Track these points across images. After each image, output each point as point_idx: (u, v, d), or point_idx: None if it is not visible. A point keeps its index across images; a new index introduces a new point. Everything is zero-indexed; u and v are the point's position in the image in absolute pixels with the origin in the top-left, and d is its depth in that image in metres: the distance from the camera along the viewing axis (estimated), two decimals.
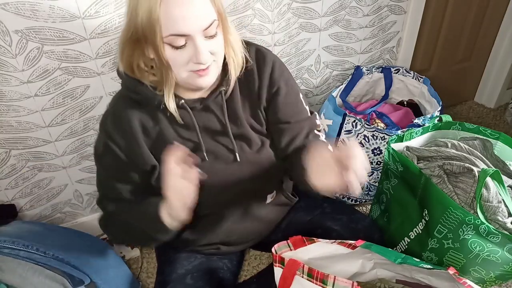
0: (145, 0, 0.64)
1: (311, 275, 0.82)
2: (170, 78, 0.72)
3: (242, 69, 0.81)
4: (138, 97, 0.77)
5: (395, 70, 1.67)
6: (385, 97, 1.69)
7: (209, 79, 0.74)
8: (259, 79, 0.83)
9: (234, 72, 0.79)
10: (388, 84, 1.68)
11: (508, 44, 1.96)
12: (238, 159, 0.85)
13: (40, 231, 1.11)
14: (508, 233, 0.85)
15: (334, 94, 1.52)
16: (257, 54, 0.84)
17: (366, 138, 1.36)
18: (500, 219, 0.90)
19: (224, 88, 0.80)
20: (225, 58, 0.77)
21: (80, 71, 1.17)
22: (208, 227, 0.94)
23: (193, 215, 0.87)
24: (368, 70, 1.65)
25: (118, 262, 1.22)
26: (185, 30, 0.66)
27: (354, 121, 1.36)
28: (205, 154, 0.82)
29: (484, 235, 0.86)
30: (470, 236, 0.88)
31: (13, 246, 0.97)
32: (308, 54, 1.54)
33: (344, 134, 1.39)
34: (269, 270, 1.08)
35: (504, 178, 0.96)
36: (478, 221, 0.85)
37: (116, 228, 0.89)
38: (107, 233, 0.94)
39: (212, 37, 0.69)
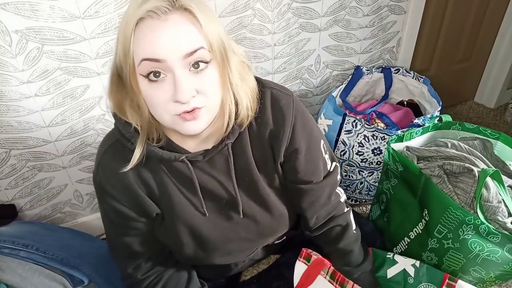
0: (122, 32, 0.57)
1: (333, 276, 0.82)
2: (144, 117, 0.62)
3: (248, 119, 0.69)
4: (132, 147, 0.66)
5: (395, 70, 1.67)
6: (385, 97, 1.69)
7: (199, 125, 0.60)
8: (276, 131, 0.72)
9: (228, 126, 0.67)
10: (388, 84, 1.68)
11: (508, 44, 1.96)
12: (242, 216, 0.77)
13: (40, 231, 1.11)
14: (508, 233, 0.85)
15: (334, 94, 1.52)
16: (273, 101, 0.72)
17: (366, 138, 1.36)
18: (500, 219, 0.90)
19: (230, 141, 0.69)
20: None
21: (80, 71, 1.17)
22: (215, 274, 0.94)
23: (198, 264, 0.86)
24: (368, 70, 1.65)
25: None
26: (160, 53, 0.55)
27: (354, 121, 1.36)
28: (205, 210, 0.74)
29: (484, 235, 0.86)
30: (470, 236, 0.88)
31: (13, 246, 0.97)
32: (308, 54, 1.54)
33: (344, 134, 1.39)
34: (269, 270, 1.08)
35: (504, 178, 0.96)
36: (478, 221, 0.85)
37: None
38: None
39: (198, 70, 0.58)
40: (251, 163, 0.73)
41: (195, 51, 0.56)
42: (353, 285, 0.81)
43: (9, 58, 1.06)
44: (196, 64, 0.57)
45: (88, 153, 1.33)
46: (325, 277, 0.83)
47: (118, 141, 0.68)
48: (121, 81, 0.61)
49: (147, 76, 0.57)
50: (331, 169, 0.83)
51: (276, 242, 0.93)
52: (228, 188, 0.75)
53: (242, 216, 0.77)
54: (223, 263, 0.87)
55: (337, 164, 0.85)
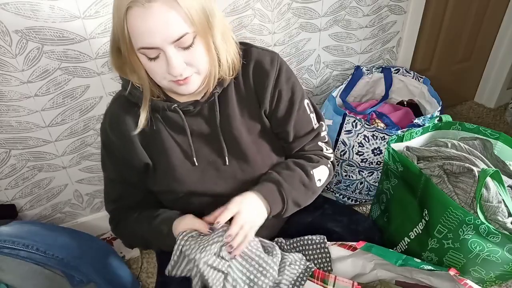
0: (116, 15, 0.65)
1: (313, 274, 0.82)
2: (145, 86, 0.73)
3: (233, 74, 0.78)
4: (133, 99, 0.77)
5: (395, 70, 1.67)
6: (385, 97, 1.69)
7: (191, 87, 0.73)
8: (262, 81, 0.81)
9: (213, 81, 0.76)
10: (388, 84, 1.68)
11: (508, 44, 1.96)
12: (227, 163, 0.83)
13: (40, 231, 1.11)
14: (508, 233, 0.85)
15: (334, 94, 1.52)
16: (259, 57, 0.81)
17: (366, 138, 1.36)
18: (500, 219, 0.90)
19: (217, 91, 0.78)
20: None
21: (80, 71, 1.17)
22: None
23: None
24: (368, 70, 1.65)
25: (118, 262, 1.22)
26: (153, 43, 0.65)
27: (354, 121, 1.36)
28: (195, 160, 0.81)
29: (484, 235, 0.86)
30: (470, 236, 0.88)
31: (13, 246, 0.97)
32: (308, 54, 1.54)
33: (344, 134, 1.39)
34: None
35: (504, 178, 0.96)
36: (478, 221, 0.85)
37: (125, 234, 0.91)
38: (116, 235, 0.96)
39: (187, 48, 0.67)
40: (235, 112, 0.82)
41: (181, 37, 0.65)
42: (335, 278, 0.81)
43: (9, 58, 1.06)
44: (183, 45, 0.67)
45: (88, 153, 1.33)
46: None
47: (123, 96, 0.79)
48: (120, 51, 0.70)
49: (145, 54, 0.67)
50: (315, 127, 0.89)
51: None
52: (215, 137, 0.82)
53: (228, 164, 0.83)
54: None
55: (323, 122, 0.92)
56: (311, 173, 0.87)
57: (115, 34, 0.68)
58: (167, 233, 0.78)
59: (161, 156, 0.81)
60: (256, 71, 0.80)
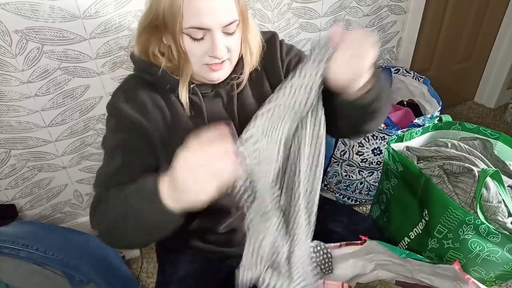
0: None
1: None
2: (187, 68, 0.74)
3: (256, 63, 0.82)
4: (151, 78, 0.77)
5: (395, 70, 1.67)
6: None
7: (222, 74, 0.76)
8: (270, 63, 0.85)
9: (249, 68, 0.80)
10: None
11: (508, 44, 1.96)
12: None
13: (40, 231, 1.11)
14: (508, 233, 0.85)
15: None
16: (264, 37, 0.84)
17: (366, 138, 1.36)
18: (500, 219, 0.91)
19: (235, 75, 0.80)
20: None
21: (80, 71, 1.17)
22: (210, 221, 0.93)
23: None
24: None
25: (118, 262, 1.22)
26: (207, 24, 0.67)
27: None
28: None
29: (484, 235, 0.86)
30: (470, 236, 0.88)
31: (13, 246, 0.97)
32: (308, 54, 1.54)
33: None
34: None
35: (504, 178, 0.96)
36: (478, 221, 0.85)
37: (101, 213, 0.76)
38: (92, 222, 0.78)
39: (230, 34, 0.71)
40: (249, 96, 0.84)
41: (231, 23, 0.69)
42: (323, 283, 0.81)
43: (9, 58, 1.06)
44: (229, 30, 0.71)
45: (88, 153, 1.33)
46: None
47: (139, 77, 0.79)
48: (156, 31, 0.72)
49: (190, 35, 0.69)
50: None
51: None
52: (232, 120, 0.83)
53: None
54: (219, 208, 0.87)
55: None
56: None
57: (159, 12, 0.68)
58: (152, 187, 0.59)
59: (176, 137, 0.77)
60: (263, 55, 0.84)
